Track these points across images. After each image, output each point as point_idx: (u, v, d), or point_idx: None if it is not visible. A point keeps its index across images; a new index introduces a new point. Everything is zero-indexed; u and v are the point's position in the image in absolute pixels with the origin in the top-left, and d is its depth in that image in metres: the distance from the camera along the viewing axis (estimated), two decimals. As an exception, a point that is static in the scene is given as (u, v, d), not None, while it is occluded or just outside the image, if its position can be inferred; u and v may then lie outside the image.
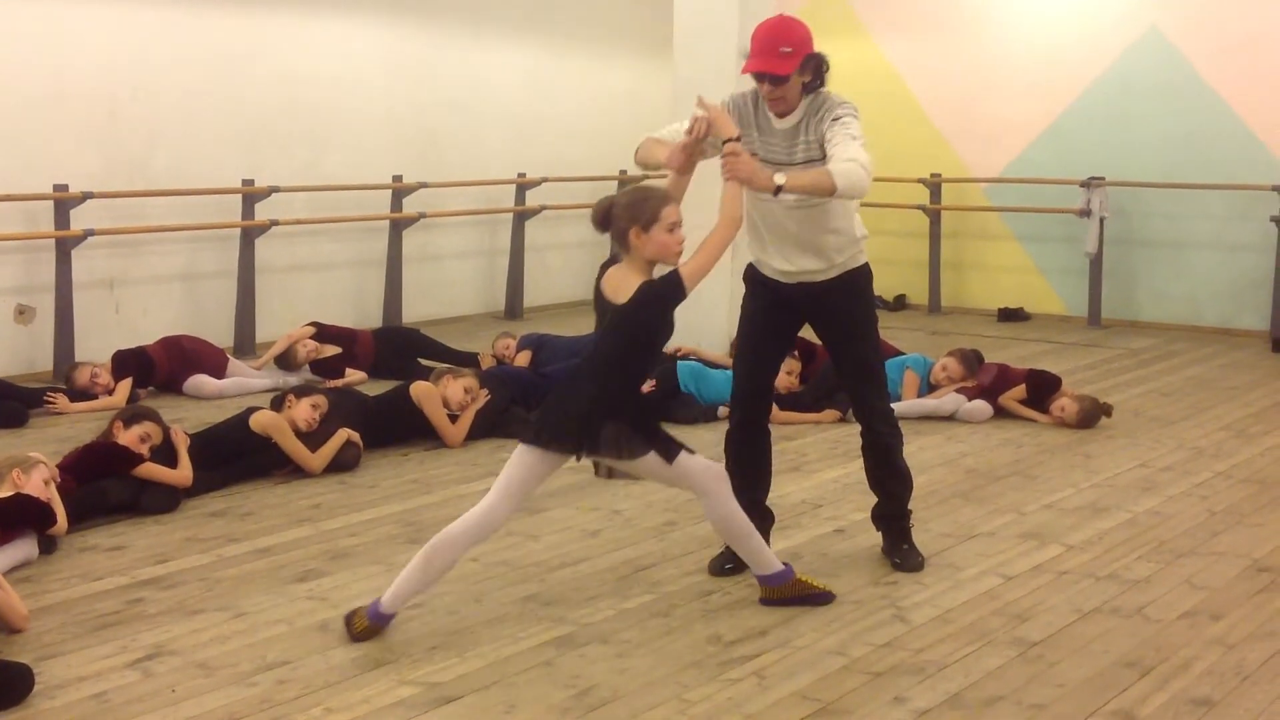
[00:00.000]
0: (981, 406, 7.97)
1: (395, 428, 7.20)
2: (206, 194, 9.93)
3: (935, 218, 12.74)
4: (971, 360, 8.31)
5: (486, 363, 8.95)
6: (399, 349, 9.27)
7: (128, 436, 6.03)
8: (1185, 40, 11.60)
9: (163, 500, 5.94)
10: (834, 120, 4.66)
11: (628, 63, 13.44)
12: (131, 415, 6.18)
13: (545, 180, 12.36)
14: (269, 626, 4.53)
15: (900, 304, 13.12)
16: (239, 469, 6.43)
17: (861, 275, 5.06)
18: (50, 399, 7.95)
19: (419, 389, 7.23)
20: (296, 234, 10.68)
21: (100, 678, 4.08)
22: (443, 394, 7.27)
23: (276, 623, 4.56)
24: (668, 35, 9.95)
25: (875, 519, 5.33)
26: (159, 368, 8.48)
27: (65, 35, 9.25)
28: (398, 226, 11.29)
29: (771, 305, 5.08)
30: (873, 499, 5.32)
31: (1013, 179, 12.53)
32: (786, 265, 4.96)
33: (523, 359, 8.71)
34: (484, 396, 7.39)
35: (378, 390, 7.73)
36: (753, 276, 5.14)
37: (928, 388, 8.26)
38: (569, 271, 12.83)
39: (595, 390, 4.33)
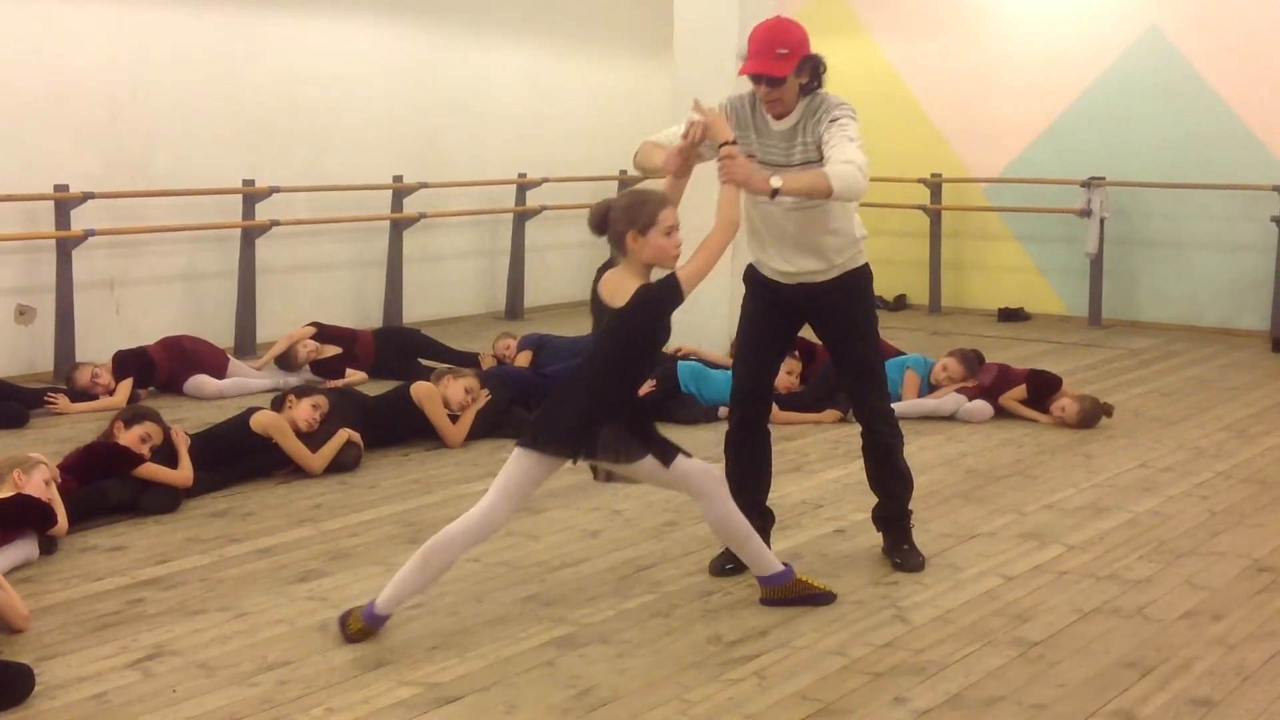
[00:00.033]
0: (982, 407, 7.97)
1: (396, 428, 7.20)
2: (207, 194, 9.94)
3: (935, 218, 12.74)
4: (972, 360, 8.31)
5: (487, 363, 8.95)
6: (399, 349, 9.27)
7: (128, 437, 6.03)
8: (1185, 40, 11.60)
9: (163, 500, 5.94)
10: (831, 121, 4.66)
11: (628, 63, 13.44)
12: (132, 415, 6.19)
13: (546, 180, 12.36)
14: (270, 627, 4.53)
15: (900, 304, 13.12)
16: (240, 469, 6.44)
17: (861, 275, 5.06)
18: (51, 399, 7.96)
19: (419, 389, 7.23)
20: (297, 234, 10.68)
21: (101, 678, 4.08)
22: (443, 394, 7.27)
23: (277, 623, 4.56)
24: (668, 35, 9.95)
25: (876, 519, 5.34)
26: (159, 368, 8.49)
27: (65, 35, 9.26)
28: (398, 227, 11.30)
29: (771, 306, 5.08)
30: (873, 499, 5.32)
31: (1013, 179, 12.53)
32: (786, 266, 4.96)
33: (523, 359, 8.71)
34: (484, 397, 7.39)
35: (378, 390, 7.73)
36: (753, 277, 5.15)
37: (928, 388, 8.26)
38: (569, 272, 12.83)
39: (592, 393, 4.33)
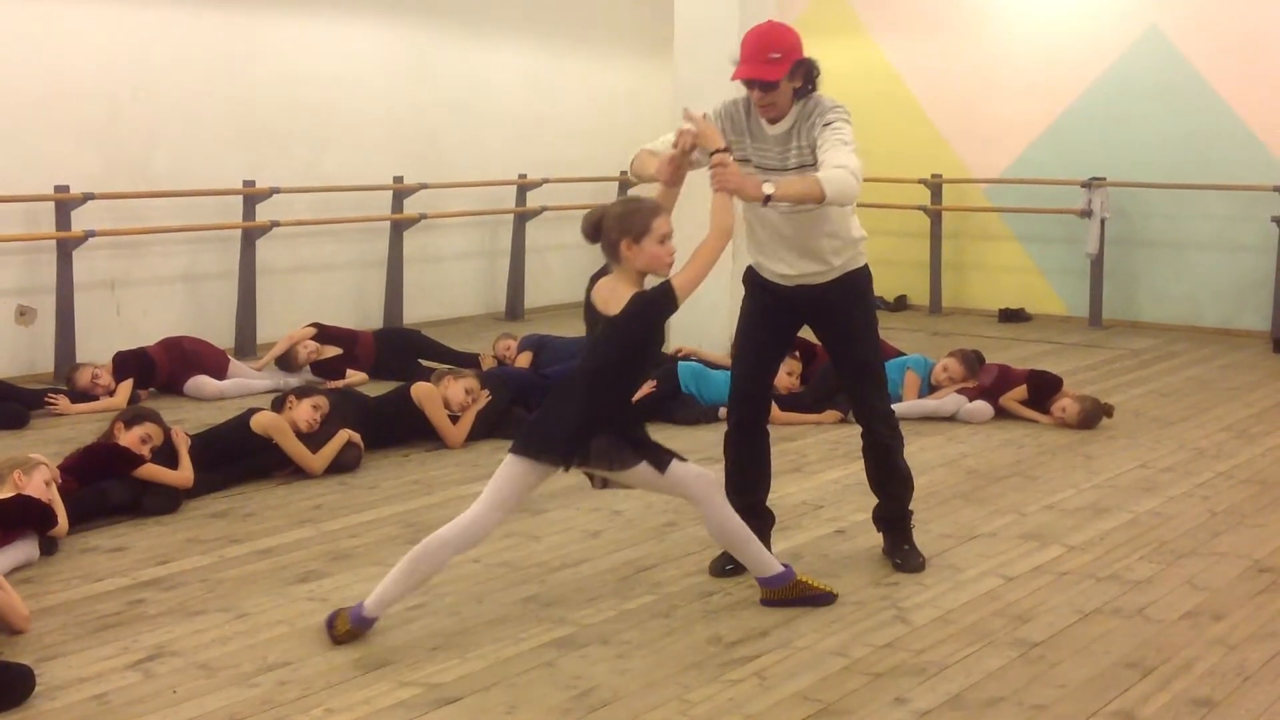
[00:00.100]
0: (982, 407, 7.97)
1: (396, 429, 7.20)
2: (207, 195, 9.94)
3: (936, 218, 12.74)
4: (972, 361, 8.31)
5: (487, 364, 8.95)
6: (400, 350, 9.27)
7: (129, 437, 6.03)
8: (1185, 40, 11.60)
9: (164, 501, 5.94)
10: (825, 125, 4.67)
11: (628, 63, 13.44)
12: (132, 416, 6.19)
13: (546, 181, 12.36)
14: (270, 627, 4.53)
15: (901, 305, 13.12)
16: (240, 470, 6.44)
17: (861, 277, 5.06)
18: (51, 400, 7.96)
19: (420, 390, 7.23)
20: (297, 235, 10.68)
21: (101, 679, 4.08)
22: (444, 395, 7.27)
23: (278, 624, 4.56)
24: (668, 36, 9.95)
25: (876, 520, 5.34)
26: (160, 369, 8.49)
27: (65, 35, 9.26)
28: (398, 227, 11.30)
29: (771, 307, 5.08)
30: (873, 500, 5.32)
31: (1013, 179, 12.53)
32: (785, 269, 4.96)
33: (524, 360, 8.71)
34: (485, 397, 7.39)
35: (378, 391, 7.73)
36: (752, 279, 5.15)
37: (928, 388, 8.26)
38: (570, 273, 12.81)
39: (586, 401, 4.33)
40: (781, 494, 6.00)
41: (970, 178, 12.84)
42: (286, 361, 8.90)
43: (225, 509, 6.03)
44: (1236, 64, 11.37)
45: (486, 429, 7.35)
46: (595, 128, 13.06)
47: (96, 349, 9.01)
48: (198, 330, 9.49)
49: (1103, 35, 12.01)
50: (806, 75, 4.74)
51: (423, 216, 11.34)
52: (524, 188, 12.33)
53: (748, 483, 5.11)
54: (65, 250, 9.00)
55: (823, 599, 4.74)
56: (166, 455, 6.11)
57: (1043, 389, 8.00)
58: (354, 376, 8.87)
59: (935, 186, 12.78)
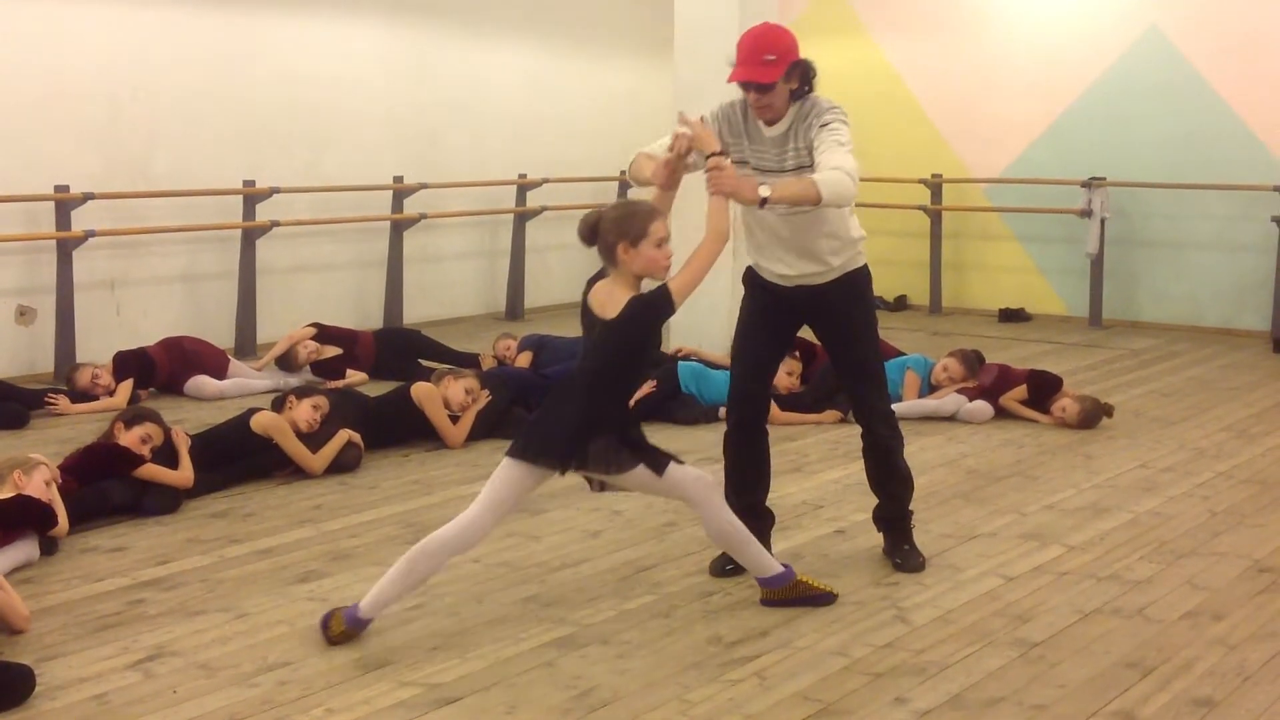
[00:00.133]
0: (982, 407, 7.97)
1: (396, 429, 7.20)
2: (207, 195, 9.94)
3: (936, 218, 12.74)
4: (972, 361, 8.31)
5: (487, 364, 8.95)
6: (400, 350, 9.28)
7: (129, 438, 6.03)
8: (1185, 40, 11.60)
9: (164, 501, 5.95)
10: (822, 126, 4.67)
11: (628, 63, 13.44)
12: (133, 416, 6.19)
13: (546, 181, 12.37)
14: (270, 627, 4.53)
15: (901, 304, 13.12)
16: (240, 470, 6.44)
17: (861, 277, 5.06)
18: (51, 400, 7.96)
19: (420, 390, 7.23)
20: (297, 235, 10.68)
21: (101, 679, 4.08)
22: (444, 395, 7.27)
23: (278, 624, 4.56)
24: (668, 35, 9.95)
25: (876, 520, 5.33)
26: (160, 369, 8.49)
27: (65, 35, 9.26)
28: (398, 227, 11.30)
29: (770, 307, 5.08)
30: (873, 500, 5.32)
31: (1013, 179, 12.53)
32: (784, 269, 4.96)
33: (524, 360, 8.71)
34: (485, 397, 7.39)
35: (379, 391, 7.73)
36: (752, 279, 5.15)
37: (929, 388, 8.25)
38: (570, 273, 12.80)
39: (583, 405, 4.33)
40: (782, 494, 6.00)
41: (970, 178, 12.84)
42: (286, 361, 8.91)
43: (225, 509, 6.03)
44: (1236, 64, 11.37)
45: (486, 429, 7.35)
46: (595, 128, 13.06)
47: (96, 349, 9.01)
48: (198, 330, 9.49)
49: (1103, 35, 12.01)
50: (803, 77, 4.74)
51: (423, 216, 11.34)
52: (524, 188, 12.33)
53: (747, 483, 5.11)
54: (65, 250, 9.01)
55: (823, 599, 4.74)
56: (167, 455, 6.11)
57: (1043, 389, 8.00)
58: (354, 376, 8.87)
59: (935, 186, 12.78)
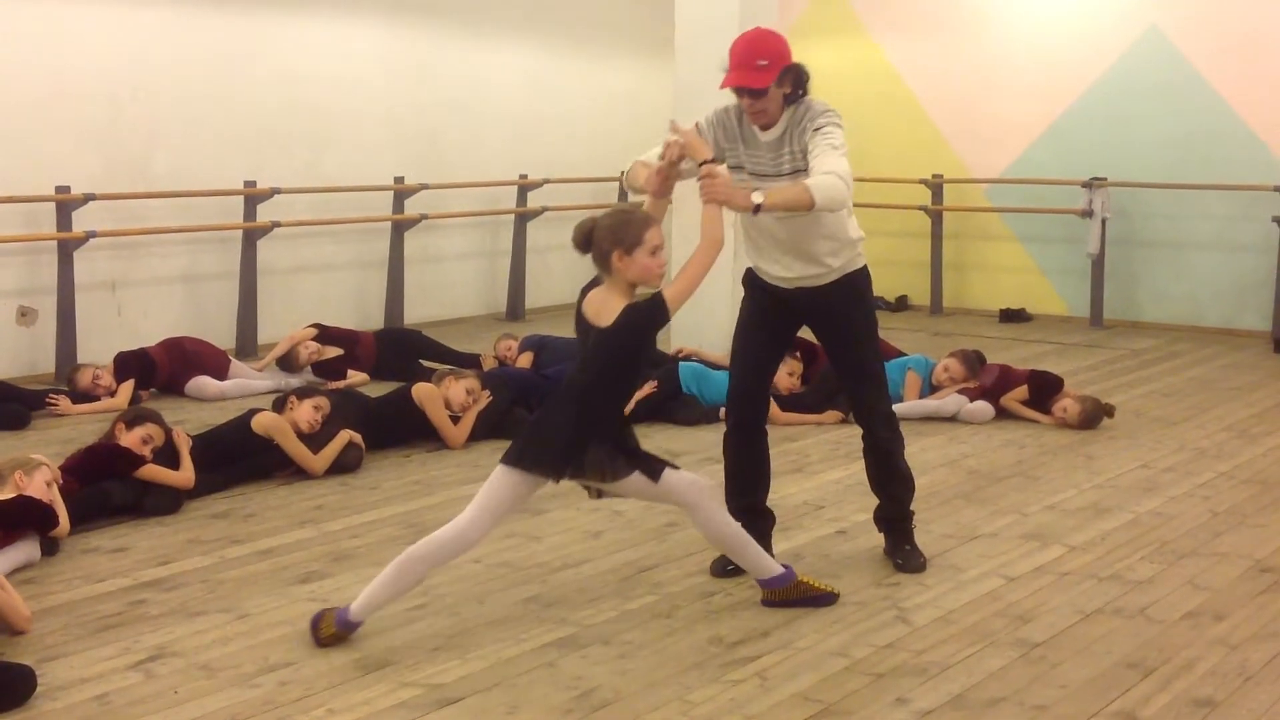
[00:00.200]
0: (983, 407, 7.97)
1: (397, 429, 7.20)
2: (208, 195, 9.94)
3: (937, 218, 12.74)
4: (973, 361, 8.31)
5: (488, 364, 8.95)
6: (401, 350, 9.27)
7: (130, 438, 6.03)
8: (1185, 40, 11.60)
9: (165, 502, 5.94)
10: (815, 130, 4.67)
11: (628, 63, 13.44)
12: (134, 417, 6.19)
13: (547, 181, 12.37)
14: (271, 628, 4.53)
15: (902, 305, 13.12)
16: (241, 470, 6.44)
17: (860, 278, 5.06)
18: (52, 401, 7.96)
19: (421, 390, 7.23)
20: (298, 235, 10.68)
21: (102, 679, 4.08)
22: (444, 395, 7.27)
23: (279, 624, 4.56)
24: (668, 35, 9.95)
25: (877, 520, 5.34)
26: (161, 369, 8.49)
27: (65, 35, 9.26)
28: (399, 228, 11.30)
29: (770, 308, 5.08)
30: (874, 500, 5.32)
31: (1014, 180, 12.54)
32: (784, 272, 4.97)
33: (524, 360, 8.71)
34: (486, 398, 7.39)
35: (379, 392, 7.73)
36: (751, 281, 5.15)
37: (929, 389, 8.25)
38: (570, 273, 12.78)
39: (578, 413, 4.32)
40: (783, 494, 6.00)
41: (971, 178, 12.84)
42: (287, 362, 8.91)
43: (226, 510, 6.03)
44: (1236, 64, 11.37)
45: (487, 429, 7.35)
46: (596, 128, 13.06)
47: (97, 350, 9.01)
48: (198, 331, 9.49)
49: (1103, 35, 12.01)
50: (796, 80, 4.74)
51: (423, 217, 11.34)
52: (524, 188, 12.33)
53: (747, 483, 5.11)
54: (66, 251, 9.01)
55: (824, 599, 4.74)
56: (168, 456, 6.11)
57: (1044, 389, 8.00)
58: (355, 377, 8.87)
59: (936, 187, 12.78)
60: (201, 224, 9.91)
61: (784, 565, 4.73)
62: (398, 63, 11.48)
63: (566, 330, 9.79)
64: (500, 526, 4.72)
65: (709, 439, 7.03)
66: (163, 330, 9.30)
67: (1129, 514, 5.98)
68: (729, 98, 4.85)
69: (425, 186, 11.37)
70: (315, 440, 6.57)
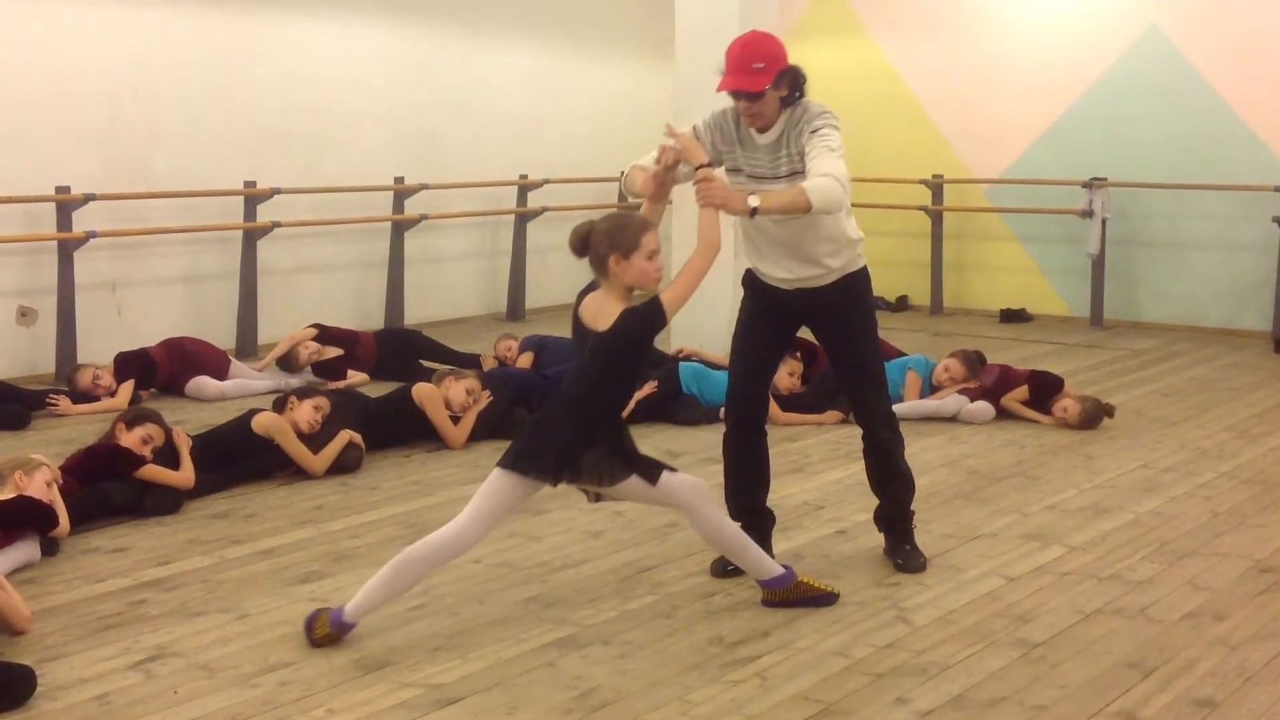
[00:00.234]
0: (984, 407, 7.97)
1: (397, 429, 7.20)
2: (208, 195, 9.94)
3: (937, 219, 12.74)
4: (974, 361, 8.31)
5: (488, 364, 8.95)
6: (401, 350, 9.28)
7: (130, 438, 6.03)
8: (1185, 40, 11.60)
9: (165, 502, 5.94)
10: (812, 132, 4.67)
11: (628, 63, 13.44)
12: (134, 417, 6.19)
13: (547, 182, 12.37)
14: (271, 628, 4.53)
15: (902, 305, 13.12)
16: (241, 471, 6.44)
17: (860, 278, 5.05)
18: (52, 401, 7.96)
19: (421, 390, 7.23)
20: (298, 236, 10.68)
21: (102, 679, 4.08)
22: (445, 395, 7.27)
23: (279, 624, 4.56)
24: (668, 36, 9.95)
25: (877, 520, 5.33)
26: (161, 369, 8.49)
27: (65, 35, 9.26)
28: (399, 228, 11.30)
29: (769, 309, 5.08)
30: (875, 500, 5.32)
31: (1014, 180, 12.54)
32: (783, 273, 4.97)
33: (525, 360, 8.71)
34: (486, 398, 7.39)
35: (380, 392, 7.73)
36: (751, 281, 5.14)
37: (930, 389, 8.25)
38: (570, 273, 12.76)
39: (575, 417, 4.32)
40: (783, 494, 6.00)
41: (971, 178, 12.84)
42: (288, 362, 8.91)
43: (226, 510, 6.03)
44: (1236, 64, 11.37)
45: (488, 430, 7.35)
46: (596, 128, 13.06)
47: (97, 350, 9.01)
48: (199, 331, 9.49)
49: (1103, 35, 12.01)
50: (792, 83, 4.74)
51: (423, 217, 11.34)
52: (525, 188, 12.33)
53: (747, 483, 5.11)
54: (66, 251, 9.01)
55: (824, 599, 4.74)
56: (168, 456, 6.11)
57: (1044, 389, 8.00)
58: (355, 377, 8.87)
59: (936, 187, 12.78)
60: (202, 224, 9.91)
61: (784, 565, 4.73)
62: (398, 63, 11.48)
63: (566, 330, 9.76)
64: (500, 527, 4.71)
65: (709, 439, 7.03)
66: (163, 330, 9.30)
67: (1129, 514, 5.98)
68: (727, 100, 4.85)
69: (425, 187, 11.37)
70: (315, 440, 6.58)
